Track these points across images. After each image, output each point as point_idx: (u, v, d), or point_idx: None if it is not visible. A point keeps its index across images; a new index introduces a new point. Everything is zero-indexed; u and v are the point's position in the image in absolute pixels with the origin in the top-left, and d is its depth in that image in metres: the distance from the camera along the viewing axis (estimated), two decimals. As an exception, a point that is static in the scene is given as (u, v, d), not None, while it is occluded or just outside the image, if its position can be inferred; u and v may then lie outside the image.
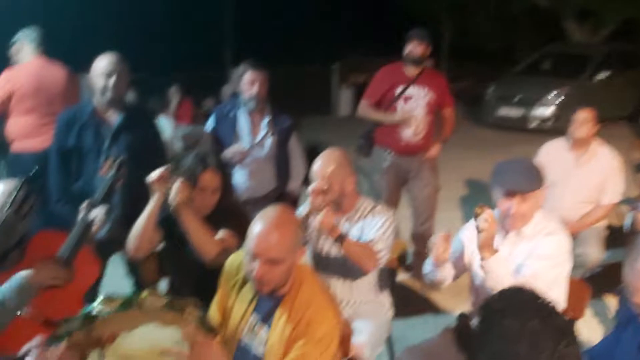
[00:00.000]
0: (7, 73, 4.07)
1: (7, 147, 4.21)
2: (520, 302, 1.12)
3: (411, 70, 4.10)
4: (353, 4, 15.90)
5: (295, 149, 3.78)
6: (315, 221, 2.45)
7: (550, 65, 11.13)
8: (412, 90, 4.09)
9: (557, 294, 2.39)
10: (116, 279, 3.25)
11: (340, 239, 2.45)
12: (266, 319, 1.98)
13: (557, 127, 4.20)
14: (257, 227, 1.89)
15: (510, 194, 2.34)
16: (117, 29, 10.67)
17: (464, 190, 6.51)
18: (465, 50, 15.22)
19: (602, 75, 10.19)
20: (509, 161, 2.48)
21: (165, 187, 2.47)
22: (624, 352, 1.70)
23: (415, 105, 4.07)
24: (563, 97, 9.51)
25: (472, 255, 2.45)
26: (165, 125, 4.25)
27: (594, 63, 10.35)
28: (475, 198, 5.15)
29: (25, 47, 4.10)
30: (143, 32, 11.67)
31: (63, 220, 2.76)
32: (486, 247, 2.27)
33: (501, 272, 2.26)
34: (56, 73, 4.17)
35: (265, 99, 3.62)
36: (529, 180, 2.35)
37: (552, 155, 4.00)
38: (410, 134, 4.08)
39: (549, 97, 9.61)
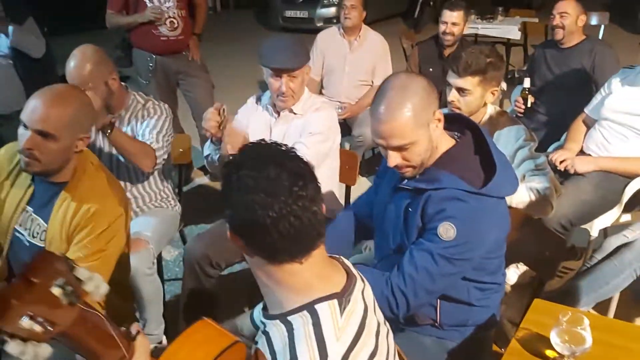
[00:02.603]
0: None
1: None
2: (256, 153, 1.11)
3: None
4: None
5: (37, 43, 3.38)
6: None
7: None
8: None
9: (330, 165, 2.52)
10: None
11: (107, 130, 2.24)
12: (44, 208, 1.84)
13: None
14: (34, 97, 1.73)
15: (278, 72, 2.33)
16: None
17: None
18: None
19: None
20: (272, 41, 2.42)
21: None
22: (380, 200, 1.85)
23: None
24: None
25: (252, 133, 2.42)
26: None
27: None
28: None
29: None
30: None
31: None
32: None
33: None
34: None
35: None
36: (295, 57, 2.34)
37: (327, 43, 4.13)
38: (166, 30, 3.80)
39: (330, -4, 9.84)
